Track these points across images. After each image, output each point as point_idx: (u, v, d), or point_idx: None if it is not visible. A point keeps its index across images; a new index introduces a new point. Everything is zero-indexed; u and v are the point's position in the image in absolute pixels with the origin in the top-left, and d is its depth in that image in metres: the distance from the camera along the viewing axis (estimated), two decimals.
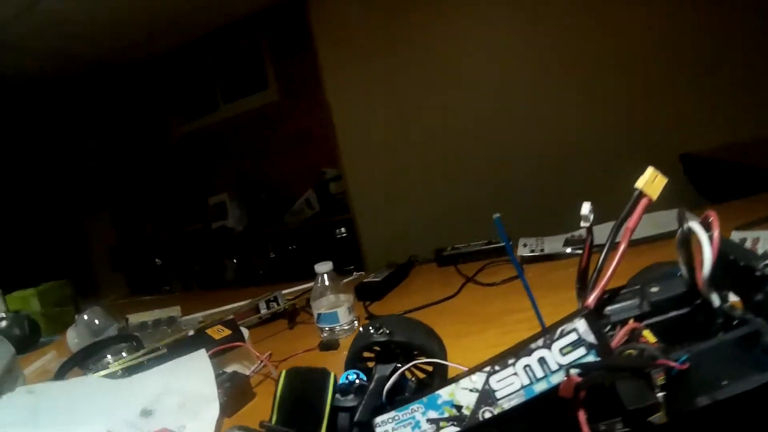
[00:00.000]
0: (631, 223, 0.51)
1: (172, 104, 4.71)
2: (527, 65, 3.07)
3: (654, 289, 0.54)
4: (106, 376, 1.19)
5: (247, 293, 1.85)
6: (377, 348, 0.70)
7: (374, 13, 3.31)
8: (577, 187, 2.88)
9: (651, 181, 0.52)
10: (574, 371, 0.45)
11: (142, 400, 1.02)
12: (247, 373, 1.12)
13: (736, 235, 1.27)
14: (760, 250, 1.14)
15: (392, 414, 0.50)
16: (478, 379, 0.48)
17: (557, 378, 0.46)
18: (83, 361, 1.38)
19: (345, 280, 1.80)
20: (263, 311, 1.56)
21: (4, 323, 2.02)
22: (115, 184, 5.07)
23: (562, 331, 0.47)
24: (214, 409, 0.96)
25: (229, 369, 1.11)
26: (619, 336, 0.49)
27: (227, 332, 1.19)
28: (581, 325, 0.47)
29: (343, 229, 3.61)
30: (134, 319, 1.79)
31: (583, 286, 0.52)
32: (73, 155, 5.10)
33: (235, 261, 4.28)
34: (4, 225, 4.41)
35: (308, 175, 4.02)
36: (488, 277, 1.48)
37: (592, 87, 2.97)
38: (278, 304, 1.58)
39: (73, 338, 1.66)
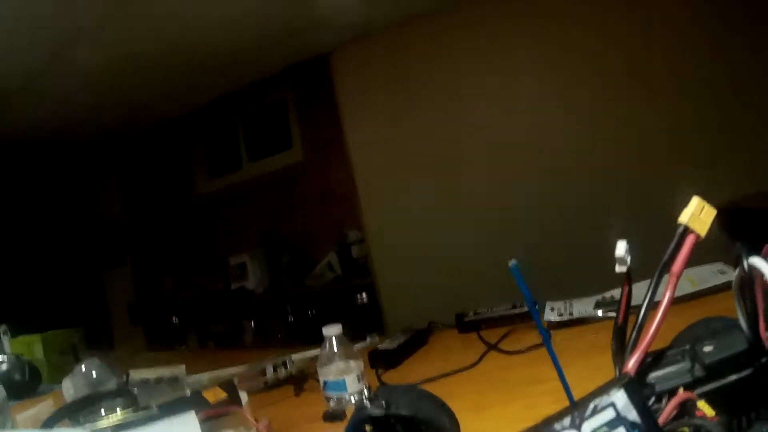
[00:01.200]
0: (676, 266, 0.42)
1: (197, 161, 4.74)
2: (554, 117, 3.02)
3: (707, 349, 0.44)
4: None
5: (261, 355, 1.76)
6: (377, 423, 0.60)
7: (395, 70, 3.33)
8: (609, 244, 2.77)
9: (698, 215, 0.43)
10: None
11: None
12: None
13: None
14: None
15: None
16: None
17: None
18: (74, 413, 1.31)
19: (357, 346, 1.70)
20: (269, 375, 1.46)
21: (4, 366, 1.96)
22: (138, 239, 5.09)
23: (596, 406, 0.37)
24: None
25: None
26: (668, 409, 0.40)
27: (223, 395, 1.10)
28: (620, 397, 0.37)
29: (364, 294, 3.52)
30: (136, 374, 1.71)
31: (621, 348, 0.42)
32: (98, 208, 5.17)
33: (252, 323, 4.19)
34: (26, 271, 4.45)
35: (331, 235, 3.97)
36: (512, 344, 1.37)
37: (623, 137, 2.91)
38: (286, 368, 1.49)
39: (69, 388, 1.58)
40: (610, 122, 2.91)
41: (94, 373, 1.62)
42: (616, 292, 1.47)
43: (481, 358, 1.33)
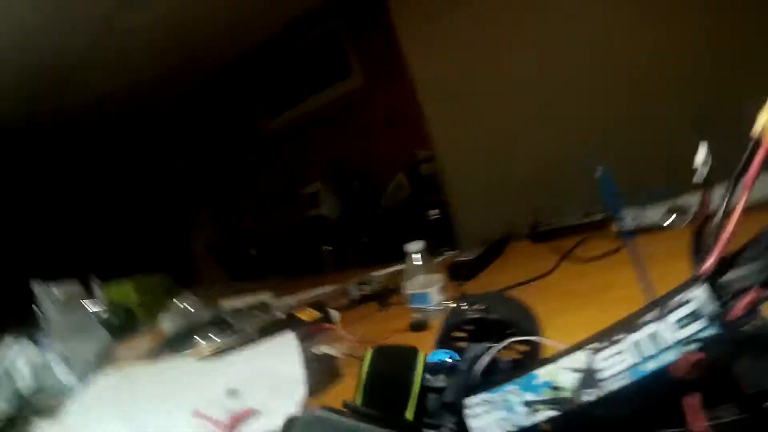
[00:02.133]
0: (749, 176, 0.42)
1: (259, 100, 4.79)
2: (622, 24, 2.93)
3: None
4: (197, 358, 1.22)
5: (340, 279, 1.85)
6: (470, 327, 0.65)
7: None
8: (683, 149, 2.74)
9: None
10: (693, 347, 0.38)
11: (230, 380, 1.02)
12: (337, 354, 1.09)
13: None
14: None
15: (484, 396, 0.45)
16: (581, 358, 0.42)
17: (673, 355, 0.39)
18: (175, 345, 1.43)
19: (437, 260, 1.75)
20: (354, 293, 1.54)
21: (103, 314, 2.10)
22: (214, 184, 5.26)
23: (679, 301, 0.40)
24: (301, 390, 0.94)
25: (319, 351, 1.09)
26: (741, 306, 0.41)
27: (317, 315, 1.18)
28: (701, 292, 0.40)
29: (436, 210, 3.58)
30: (227, 305, 1.83)
31: (700, 250, 0.44)
32: (173, 161, 5.37)
33: (330, 248, 4.31)
34: (116, 226, 4.77)
35: (399, 158, 4.02)
36: (585, 252, 1.40)
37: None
38: (369, 286, 1.56)
39: (167, 324, 1.71)
40: (689, 28, 2.83)
41: (190, 307, 1.74)
42: (686, 199, 1.47)
43: (555, 267, 1.36)
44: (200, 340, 1.38)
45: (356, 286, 1.57)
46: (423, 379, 0.54)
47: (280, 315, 1.37)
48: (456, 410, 0.48)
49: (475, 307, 0.64)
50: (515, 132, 3.16)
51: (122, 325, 2.09)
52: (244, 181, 5.06)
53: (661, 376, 0.39)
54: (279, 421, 0.83)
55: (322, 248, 4.38)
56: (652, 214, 1.46)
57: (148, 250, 4.62)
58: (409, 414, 0.51)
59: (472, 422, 0.45)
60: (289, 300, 1.80)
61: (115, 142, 4.97)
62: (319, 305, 1.25)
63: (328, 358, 1.03)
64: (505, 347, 0.58)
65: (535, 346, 0.60)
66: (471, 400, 0.46)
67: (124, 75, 3.98)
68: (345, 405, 0.52)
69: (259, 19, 3.86)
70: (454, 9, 3.24)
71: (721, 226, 0.42)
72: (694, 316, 0.39)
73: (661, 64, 2.84)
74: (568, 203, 1.75)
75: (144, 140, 5.24)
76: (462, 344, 0.64)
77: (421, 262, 1.25)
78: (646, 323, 0.41)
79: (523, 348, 0.60)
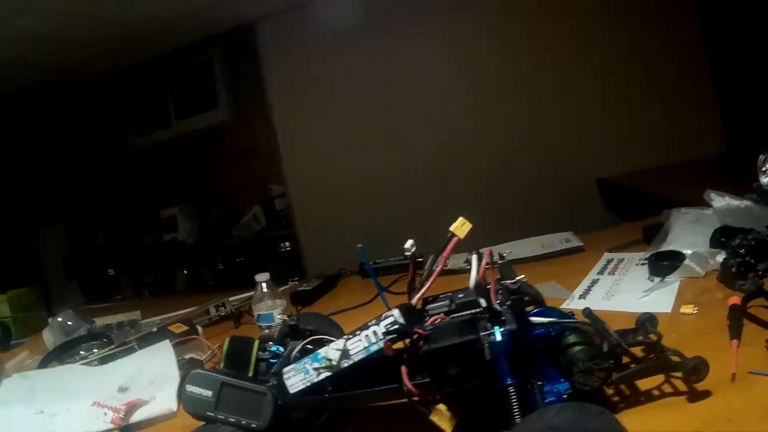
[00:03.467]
0: (444, 254, 0.79)
1: (127, 120, 4.81)
2: (457, 89, 3.42)
3: (460, 295, 0.83)
4: (85, 365, 1.49)
5: (196, 300, 2.11)
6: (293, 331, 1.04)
7: (320, 40, 3.59)
8: (506, 206, 3.31)
9: (460, 226, 0.79)
10: (389, 338, 0.77)
11: (119, 380, 1.31)
12: (202, 358, 1.43)
13: (607, 256, 1.63)
14: (622, 269, 1.49)
15: (293, 365, 0.84)
16: (340, 343, 0.80)
17: (381, 343, 0.77)
18: (60, 355, 1.67)
19: (281, 288, 2.12)
20: (213, 313, 1.88)
21: None
22: (69, 195, 5.18)
23: (386, 315, 0.78)
24: (175, 384, 1.25)
25: (187, 356, 1.42)
26: (430, 321, 0.79)
27: (185, 328, 1.52)
28: (396, 312, 0.77)
29: (287, 243, 3.90)
30: (100, 321, 2.06)
31: (410, 292, 0.83)
32: (28, 165, 5.16)
33: (185, 272, 4.50)
34: None
35: (256, 190, 4.26)
36: (401, 287, 1.80)
37: (520, 112, 3.36)
38: (225, 308, 1.90)
39: (49, 337, 1.90)
40: (515, 94, 3.36)
41: (69, 322, 1.97)
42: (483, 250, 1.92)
43: (374, 298, 1.77)
44: (82, 352, 1.66)
45: (214, 307, 1.90)
46: (257, 354, 0.93)
47: (153, 328, 1.68)
48: (279, 376, 0.86)
49: (292, 317, 1.04)
50: (361, 180, 3.56)
51: None
52: (102, 197, 5.06)
53: (378, 353, 0.78)
54: (161, 408, 1.18)
55: (176, 271, 4.54)
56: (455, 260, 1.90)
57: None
58: (251, 373, 0.91)
59: (287, 381, 0.84)
60: (156, 319, 2.08)
61: None
62: (187, 321, 1.58)
63: (194, 361, 1.37)
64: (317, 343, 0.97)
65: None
66: (287, 368, 0.85)
67: None
68: (214, 369, 0.90)
69: (138, 45, 3.98)
70: (320, 64, 3.58)
71: (425, 281, 0.82)
72: (393, 323, 0.78)
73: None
74: (394, 246, 2.15)
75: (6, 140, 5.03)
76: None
77: (266, 289, 1.62)
78: (370, 326, 0.79)
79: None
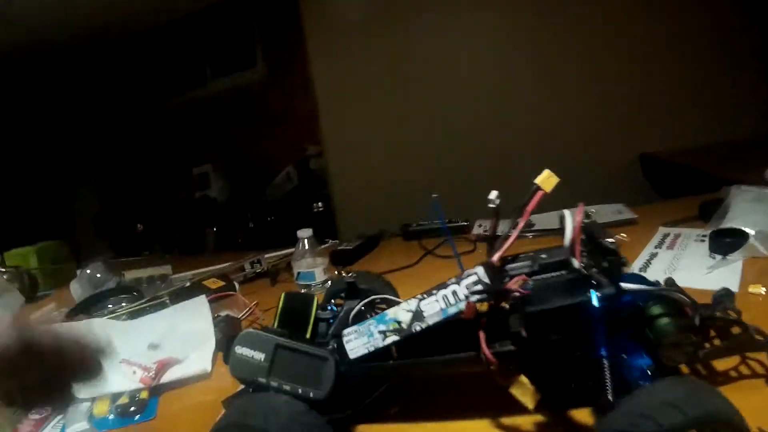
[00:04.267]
0: (528, 207, 0.68)
1: (162, 76, 4.82)
2: (500, 63, 3.28)
3: (543, 256, 0.72)
4: (113, 319, 1.39)
5: (227, 258, 2.01)
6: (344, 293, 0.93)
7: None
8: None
9: (546, 179, 0.68)
10: (474, 299, 0.67)
11: (150, 336, 1.22)
12: (238, 316, 1.33)
13: (662, 230, 1.51)
14: (680, 244, 1.38)
15: (355, 327, 0.73)
16: (412, 303, 0.69)
17: (463, 304, 0.67)
18: (88, 309, 1.59)
19: (322, 246, 2.02)
20: (248, 270, 1.78)
21: (5, 277, 2.19)
22: (103, 152, 5.21)
23: (468, 273, 0.68)
24: (211, 343, 1.16)
25: (223, 314, 1.32)
26: (511, 283, 0.68)
27: (221, 283, 1.42)
28: (480, 270, 0.67)
29: (320, 204, 3.81)
30: (130, 275, 1.99)
31: (490, 250, 0.73)
32: (65, 124, 5.21)
33: (215, 229, 4.45)
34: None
35: (291, 151, 4.23)
36: (446, 251, 1.71)
37: (558, 86, 3.19)
38: (261, 265, 1.81)
39: (77, 289, 1.84)
40: (553, 68, 3.19)
41: (98, 275, 1.90)
42: (533, 217, 1.82)
43: (419, 260, 1.68)
44: (110, 306, 1.57)
45: (249, 264, 1.81)
46: (317, 313, 0.82)
47: (186, 283, 1.59)
48: (339, 338, 0.75)
49: (351, 274, 0.92)
50: (399, 142, 3.46)
51: (22, 291, 2.15)
52: (134, 155, 5.07)
53: (457, 315, 0.68)
54: (195, 368, 1.08)
55: (207, 229, 4.51)
56: (502, 225, 1.79)
57: (35, 218, 4.54)
58: (308, 335, 0.79)
59: (347, 345, 0.73)
60: (187, 274, 2.00)
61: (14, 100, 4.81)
62: (223, 276, 1.48)
63: (231, 319, 1.27)
64: (370, 305, 0.86)
65: (390, 304, 0.88)
66: (347, 330, 0.74)
67: (27, 33, 3.94)
68: (264, 328, 0.79)
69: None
70: (362, 26, 3.47)
71: (506, 237, 0.71)
72: (476, 283, 0.67)
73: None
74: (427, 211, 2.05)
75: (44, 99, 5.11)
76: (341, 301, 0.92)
77: (308, 246, 1.52)
78: (450, 285, 0.69)
79: (383, 307, 0.88)
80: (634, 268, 1.27)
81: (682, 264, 1.26)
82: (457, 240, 1.80)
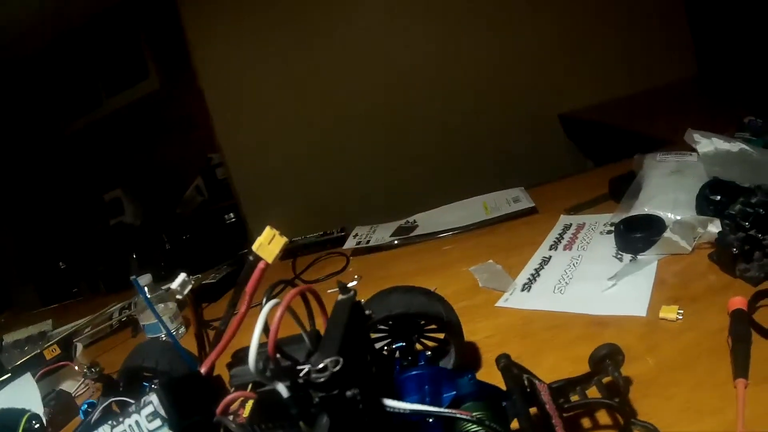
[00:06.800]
0: (248, 288, 0.54)
1: (55, 102, 4.61)
2: (401, 30, 3.20)
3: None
4: None
5: (111, 300, 1.86)
6: None
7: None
8: (464, 151, 3.15)
9: (267, 243, 0.55)
10: None
11: None
12: (71, 391, 1.23)
13: (564, 220, 1.37)
14: (582, 241, 1.22)
15: None
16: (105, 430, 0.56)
17: None
18: None
19: (173, 286, 1.91)
20: (114, 319, 1.68)
21: None
22: (8, 191, 4.93)
23: (144, 401, 0.52)
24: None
25: (61, 386, 1.23)
26: (222, 405, 0.52)
27: (58, 351, 1.32)
28: (155, 398, 0.51)
29: (231, 214, 3.72)
30: (9, 337, 1.87)
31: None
32: None
33: (134, 256, 4.32)
34: None
35: (195, 161, 4.12)
36: (317, 272, 1.63)
37: (471, 49, 3.11)
38: (130, 310, 1.69)
39: None
40: (464, 29, 3.11)
41: None
42: (416, 217, 1.75)
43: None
44: None
45: (118, 310, 1.70)
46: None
47: (37, 351, 1.48)
48: None
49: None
50: (300, 141, 3.37)
51: None
52: (41, 189, 4.84)
53: None
54: None
55: (129, 257, 4.36)
56: (382, 232, 1.74)
57: None
58: None
59: None
60: (69, 327, 1.86)
61: None
62: (64, 340, 1.38)
63: (64, 395, 1.18)
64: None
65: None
66: None
67: None
68: None
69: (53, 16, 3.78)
70: (251, 28, 3.35)
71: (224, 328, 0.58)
72: (155, 415, 0.53)
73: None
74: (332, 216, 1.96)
75: None
76: None
77: (149, 294, 1.41)
78: (132, 413, 0.55)
79: None
80: (517, 285, 1.10)
81: (579, 273, 1.08)
82: (330, 255, 1.73)
